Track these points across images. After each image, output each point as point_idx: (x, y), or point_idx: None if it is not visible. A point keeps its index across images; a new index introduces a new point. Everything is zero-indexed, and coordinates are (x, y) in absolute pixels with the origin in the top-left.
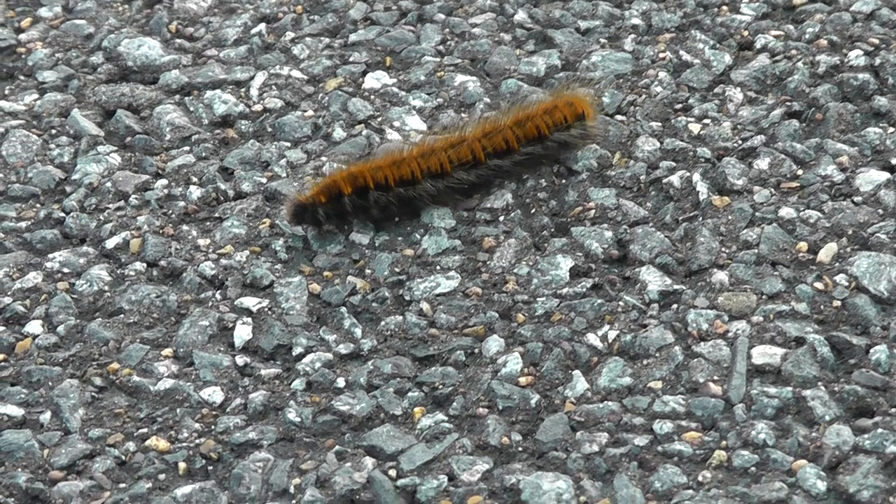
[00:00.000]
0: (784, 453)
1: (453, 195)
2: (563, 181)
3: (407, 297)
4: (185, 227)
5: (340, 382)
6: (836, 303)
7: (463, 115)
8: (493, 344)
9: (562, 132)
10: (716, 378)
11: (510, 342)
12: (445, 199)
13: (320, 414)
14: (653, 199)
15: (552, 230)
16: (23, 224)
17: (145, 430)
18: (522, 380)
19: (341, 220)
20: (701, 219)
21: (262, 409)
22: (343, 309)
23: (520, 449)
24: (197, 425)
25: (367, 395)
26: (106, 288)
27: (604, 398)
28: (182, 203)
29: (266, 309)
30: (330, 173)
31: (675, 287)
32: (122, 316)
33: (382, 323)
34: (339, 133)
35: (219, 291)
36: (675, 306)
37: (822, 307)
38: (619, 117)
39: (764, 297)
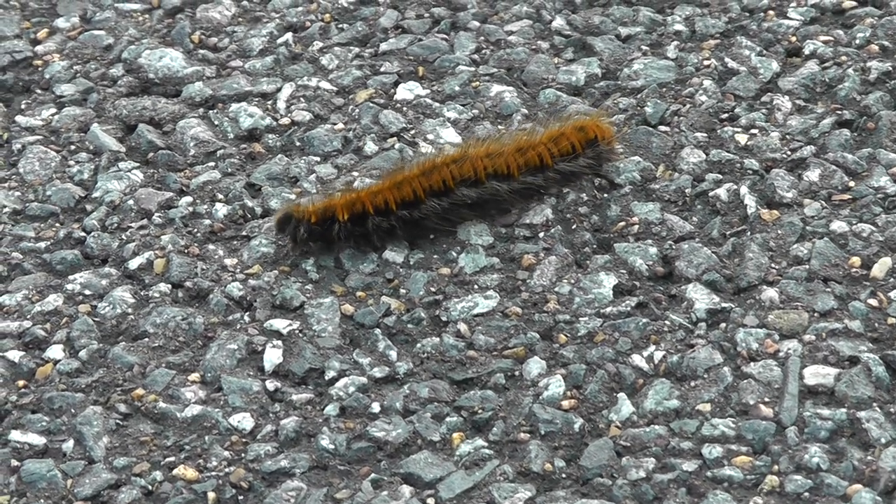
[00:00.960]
0: (838, 478)
1: (458, 212)
2: (605, 195)
3: (444, 318)
4: (210, 247)
5: (375, 407)
6: (892, 320)
7: (500, 126)
8: (535, 366)
9: (568, 162)
10: (767, 400)
11: (552, 364)
12: (451, 218)
13: (355, 440)
14: (699, 213)
15: (594, 246)
16: (42, 244)
17: (172, 458)
18: (565, 403)
19: (328, 244)
20: (749, 233)
21: (294, 435)
22: (377, 331)
23: (563, 475)
24: (226, 453)
25: (403, 420)
26: (129, 310)
27: (650, 422)
28: (207, 221)
29: (297, 331)
30: (331, 193)
31: (724, 305)
32: (146, 339)
33: (418, 345)
34: (370, 147)
35: (247, 313)
36: (723, 325)
37: (876, 325)
38: (662, 128)
39: (816, 314)
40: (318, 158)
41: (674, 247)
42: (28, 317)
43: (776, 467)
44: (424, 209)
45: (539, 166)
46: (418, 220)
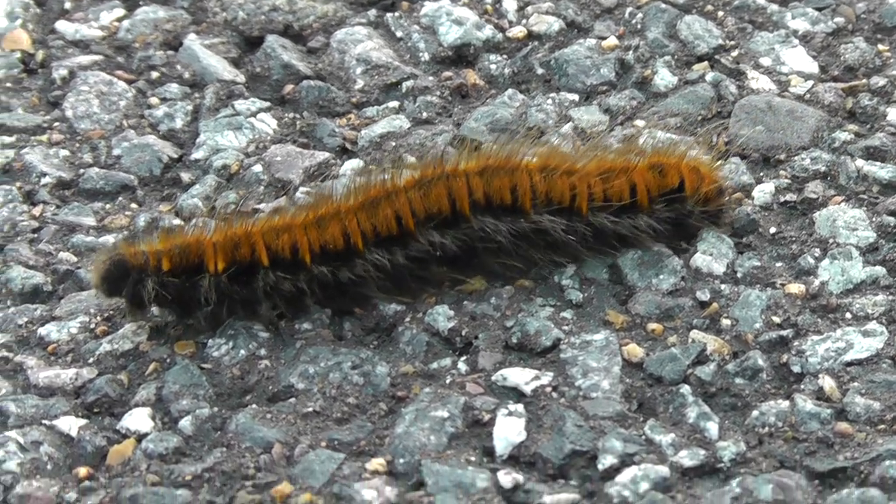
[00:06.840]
0: None
1: (427, 270)
2: None
3: (796, 369)
4: None
5: None
6: None
7: (880, 46)
8: None
9: (615, 217)
10: None
11: None
12: (405, 286)
13: None
14: None
15: None
16: (109, 238)
17: None
18: None
19: (186, 308)
20: None
21: None
22: (685, 388)
23: None
24: None
25: None
26: (262, 352)
27: None
28: None
29: (548, 389)
30: (198, 227)
31: None
32: (292, 401)
33: (755, 413)
34: (664, 77)
35: (463, 358)
36: None
37: None
38: None
39: None
40: (574, 96)
41: None
42: (90, 361)
43: None
44: (362, 266)
45: (567, 208)
46: (350, 285)
